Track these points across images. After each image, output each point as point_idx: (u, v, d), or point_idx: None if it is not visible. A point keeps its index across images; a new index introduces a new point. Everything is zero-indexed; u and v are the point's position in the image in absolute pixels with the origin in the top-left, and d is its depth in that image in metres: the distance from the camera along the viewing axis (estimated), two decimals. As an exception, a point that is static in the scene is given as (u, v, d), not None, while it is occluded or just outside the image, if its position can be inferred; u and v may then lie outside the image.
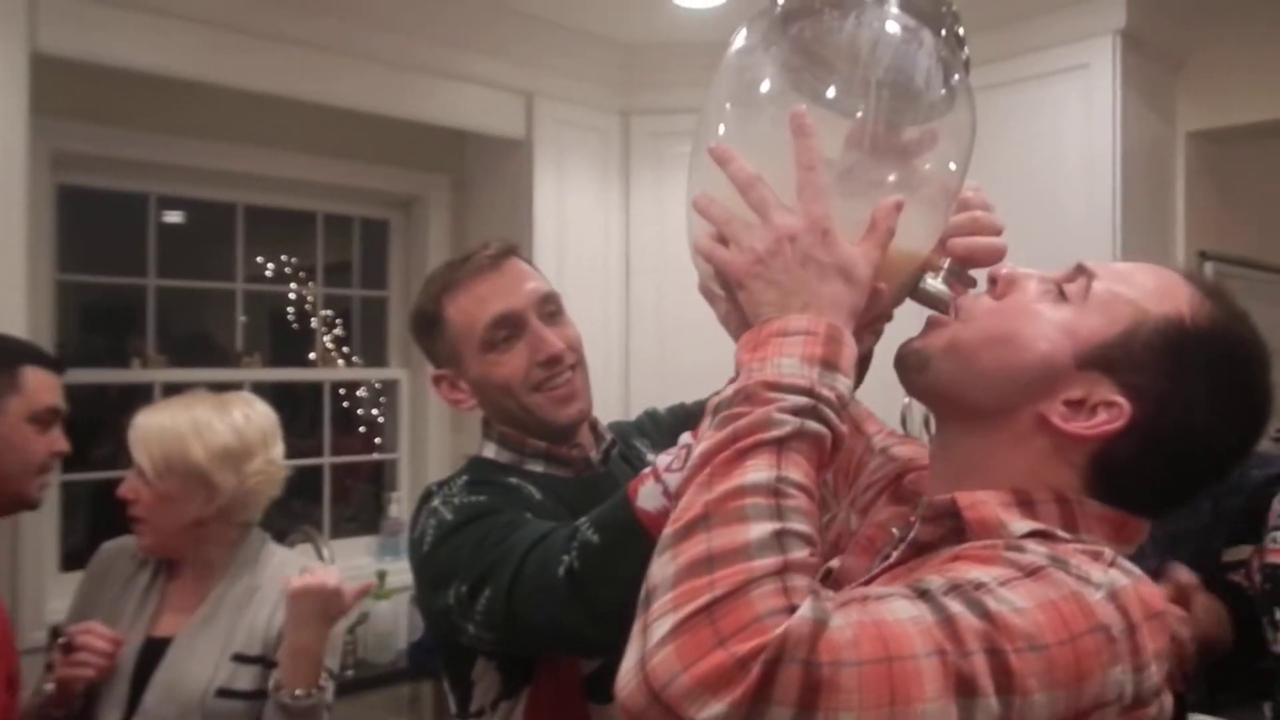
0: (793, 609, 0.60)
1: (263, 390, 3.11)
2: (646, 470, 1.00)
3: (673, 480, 0.94)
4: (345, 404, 3.60)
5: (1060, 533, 0.75)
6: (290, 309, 3.62)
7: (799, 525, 0.65)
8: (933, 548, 0.79)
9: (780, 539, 0.63)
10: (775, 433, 0.67)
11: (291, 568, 1.71)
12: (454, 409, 1.41)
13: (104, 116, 2.72)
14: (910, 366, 0.85)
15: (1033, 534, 0.74)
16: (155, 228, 2.97)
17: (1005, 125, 2.71)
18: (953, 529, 0.78)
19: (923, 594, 0.64)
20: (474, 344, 1.32)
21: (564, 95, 3.17)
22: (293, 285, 3.55)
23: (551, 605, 1.02)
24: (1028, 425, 0.79)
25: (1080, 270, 0.82)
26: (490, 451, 1.37)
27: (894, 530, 0.85)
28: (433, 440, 3.44)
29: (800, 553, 0.63)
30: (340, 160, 3.19)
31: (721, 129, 0.80)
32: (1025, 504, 0.77)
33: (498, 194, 3.30)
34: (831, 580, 0.90)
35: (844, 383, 0.72)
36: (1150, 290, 0.79)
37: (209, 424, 1.68)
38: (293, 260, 3.57)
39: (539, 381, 1.31)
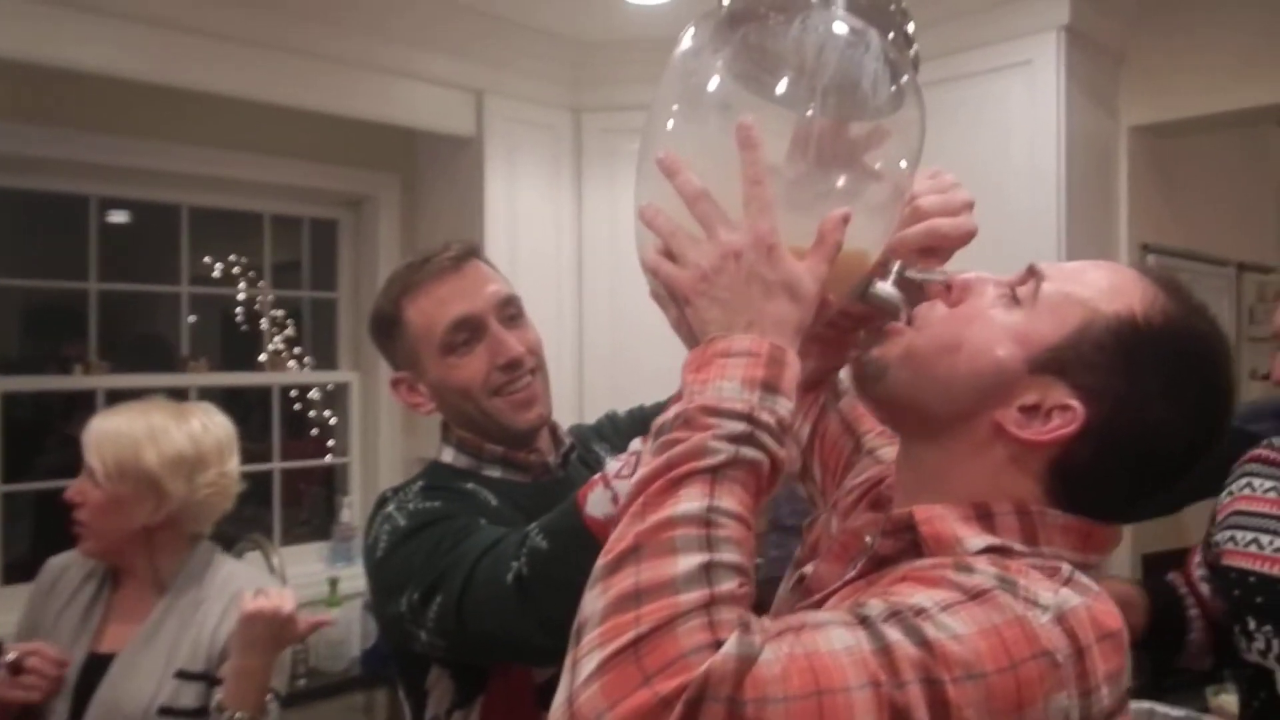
0: (718, 644, 0.59)
1: (211, 394, 3.07)
2: (596, 476, 0.99)
3: (621, 487, 0.94)
4: (296, 406, 3.55)
5: (1018, 547, 0.74)
6: (239, 310, 3.56)
7: (729, 556, 0.64)
8: (892, 561, 0.78)
9: (708, 571, 0.62)
10: (710, 461, 0.67)
11: (240, 579, 1.69)
12: (412, 412, 1.39)
13: (41, 116, 2.66)
14: (867, 376, 0.84)
15: (988, 550, 0.73)
16: (97, 230, 2.91)
17: (951, 120, 2.73)
18: (911, 543, 0.77)
19: (862, 620, 0.63)
20: (433, 347, 1.30)
21: (515, 92, 3.15)
22: (241, 286, 3.48)
23: (501, 612, 1.01)
24: (985, 434, 0.78)
25: (1030, 272, 0.81)
26: (448, 456, 1.36)
27: (867, 538, 0.84)
28: (384, 444, 3.41)
29: (728, 584, 0.62)
30: (287, 160, 3.14)
31: (669, 135, 0.79)
32: (984, 517, 0.76)
33: (449, 193, 3.27)
34: (803, 587, 0.89)
35: (785, 405, 0.72)
36: (1102, 289, 0.78)
37: (165, 430, 1.66)
38: (242, 260, 3.51)
39: (498, 385, 1.30)
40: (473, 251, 1.37)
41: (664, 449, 0.68)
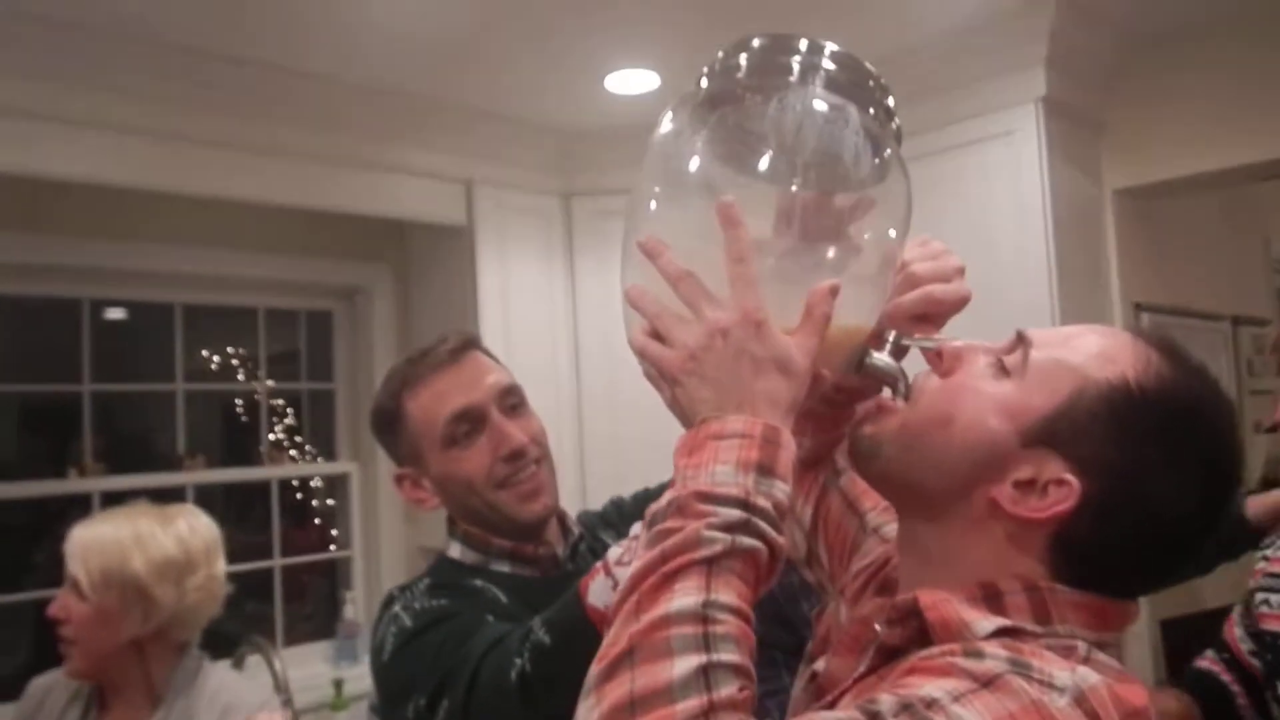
0: None
1: (210, 491, 3.05)
2: (598, 564, 0.97)
3: (622, 574, 0.91)
4: (299, 495, 3.52)
5: (1030, 627, 0.71)
6: (239, 401, 3.55)
7: (728, 655, 0.61)
8: (902, 651, 0.74)
9: (707, 675, 0.60)
10: (705, 552, 0.64)
11: (230, 691, 1.63)
12: (417, 509, 1.37)
13: (34, 225, 2.68)
14: (862, 453, 0.82)
15: (999, 632, 0.70)
16: (90, 332, 2.91)
17: (938, 192, 2.77)
18: (919, 630, 0.74)
19: (873, 716, 0.61)
20: (435, 440, 1.29)
21: (504, 181, 3.20)
22: (240, 377, 3.48)
23: (506, 711, 0.98)
24: (982, 511, 0.74)
25: (1019, 340, 0.78)
26: (455, 551, 1.33)
27: (876, 626, 0.79)
28: (386, 535, 3.37)
29: (728, 689, 0.60)
30: (279, 255, 3.17)
31: (651, 217, 0.79)
32: (992, 597, 0.72)
33: (441, 281, 3.29)
34: (815, 685, 0.85)
35: (781, 488, 0.70)
36: (1093, 354, 0.75)
37: (152, 535, 1.62)
38: (240, 351, 3.51)
39: (503, 477, 1.28)
40: (471, 342, 1.36)
41: (657, 540, 0.66)
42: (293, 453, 3.47)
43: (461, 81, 2.88)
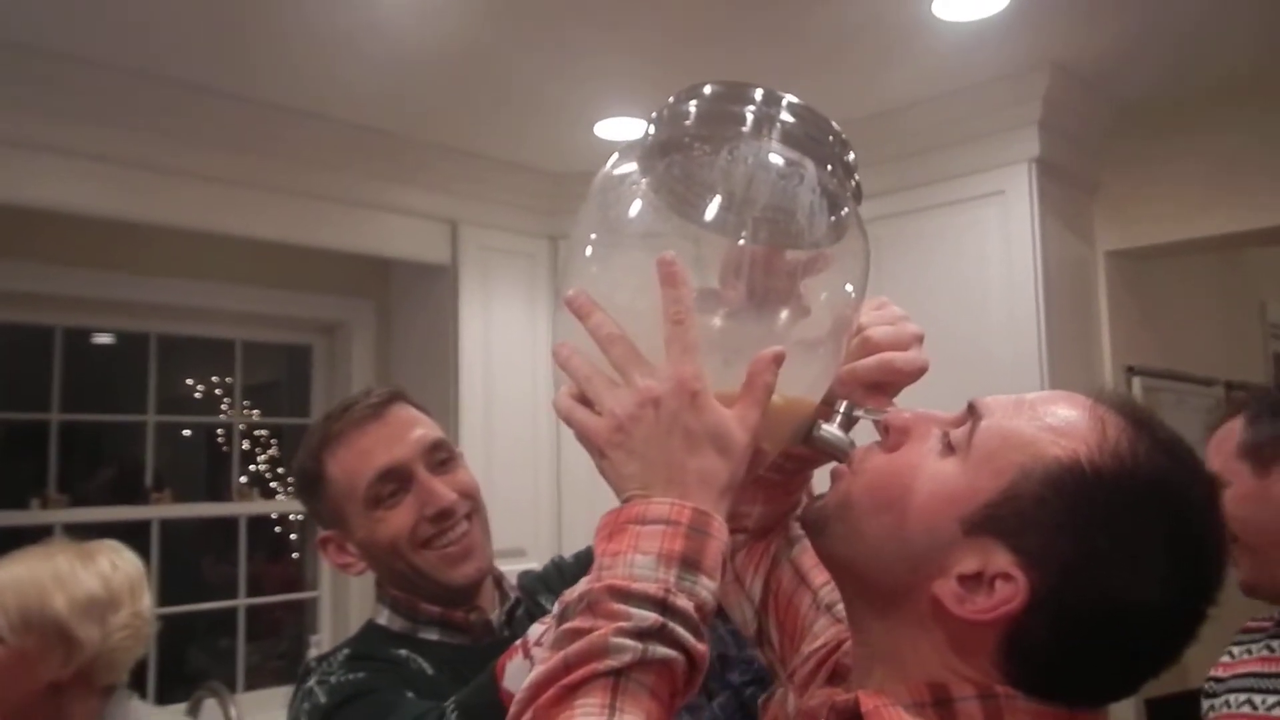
0: None
1: (185, 525, 2.98)
2: (516, 643, 0.91)
3: (542, 656, 0.85)
4: (277, 529, 3.44)
5: None
6: (220, 433, 3.49)
7: None
8: None
9: None
10: (612, 662, 0.58)
11: None
12: (344, 573, 1.29)
13: (9, 251, 2.63)
14: (809, 525, 0.75)
15: None
16: (61, 361, 2.86)
17: (927, 250, 2.75)
18: None
19: None
20: (358, 502, 1.22)
21: (489, 222, 3.16)
22: (224, 408, 3.41)
23: None
24: (926, 608, 0.66)
25: (969, 412, 0.70)
26: (383, 618, 1.26)
27: None
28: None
29: None
30: (258, 288, 3.13)
31: (586, 269, 0.73)
32: (941, 702, 0.64)
33: (423, 319, 3.25)
34: None
35: (707, 586, 0.63)
36: (1047, 427, 0.65)
37: (72, 572, 1.53)
38: (226, 380, 3.45)
39: (428, 538, 1.21)
40: (397, 395, 1.30)
41: (563, 641, 0.60)
42: (274, 484, 3.40)
43: (451, 123, 2.86)
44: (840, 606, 0.87)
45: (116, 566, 1.59)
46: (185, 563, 3.45)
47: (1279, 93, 2.61)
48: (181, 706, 2.42)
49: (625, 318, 0.69)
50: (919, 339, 0.81)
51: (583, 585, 0.63)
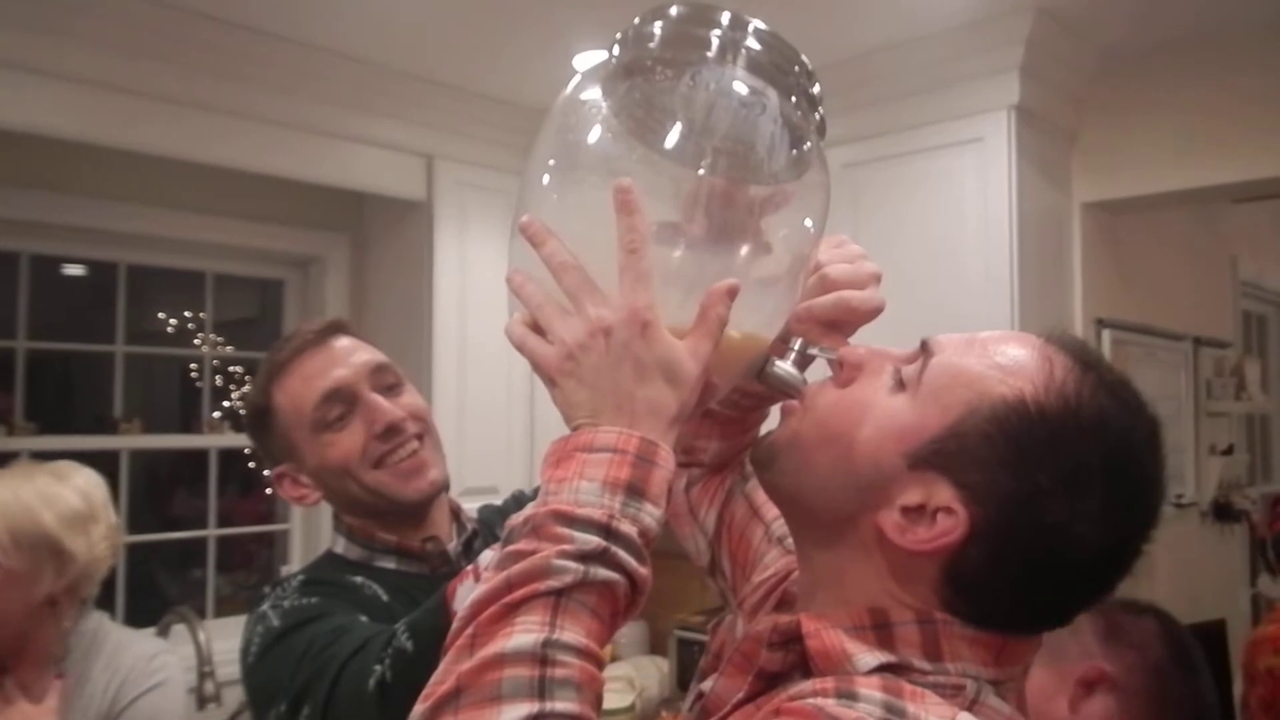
0: None
1: (156, 457, 2.96)
2: (468, 568, 0.92)
3: None
4: (251, 464, 3.43)
5: (918, 663, 0.65)
6: (194, 367, 3.47)
7: (564, 705, 0.55)
8: (783, 678, 0.69)
9: None
10: (553, 583, 0.59)
11: (127, 649, 1.62)
12: (299, 505, 1.30)
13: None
14: (759, 460, 0.76)
15: (881, 668, 0.64)
16: (27, 288, 2.82)
17: (903, 197, 2.73)
18: (801, 655, 0.68)
19: None
20: (305, 428, 1.22)
21: (466, 157, 3.12)
22: (198, 343, 3.38)
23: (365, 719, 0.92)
24: (869, 538, 0.68)
25: (922, 349, 0.71)
26: (340, 547, 1.27)
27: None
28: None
29: None
30: (232, 220, 3.08)
31: (542, 196, 0.73)
32: (881, 627, 0.66)
33: (398, 254, 3.22)
34: (701, 706, 0.78)
35: (651, 513, 0.64)
36: (996, 366, 0.67)
37: (54, 490, 1.60)
38: (200, 316, 3.43)
39: (379, 456, 1.21)
40: (337, 326, 1.30)
41: (506, 562, 0.60)
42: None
43: (427, 54, 2.80)
44: (791, 540, 0.89)
45: (90, 482, 1.66)
46: (158, 495, 3.47)
47: (1262, 46, 2.60)
48: (151, 630, 2.44)
49: (581, 246, 0.69)
50: (877, 278, 0.81)
51: (528, 510, 0.63)
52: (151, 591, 3.20)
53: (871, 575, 0.68)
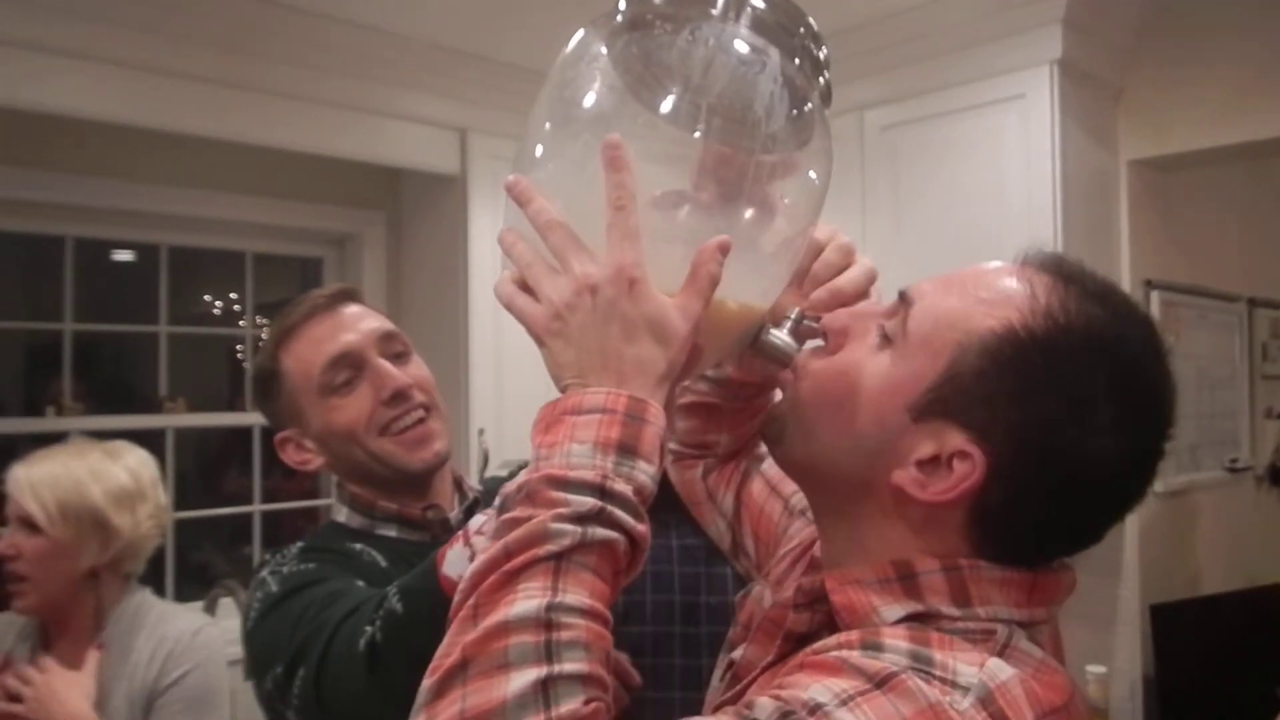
0: None
1: (204, 435, 3.00)
2: (459, 532, 0.91)
3: (480, 544, 0.86)
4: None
5: (946, 610, 0.64)
6: (240, 347, 3.52)
7: (573, 665, 0.55)
8: (813, 637, 0.68)
9: (546, 689, 0.54)
10: (552, 547, 0.58)
11: (169, 624, 1.66)
12: (301, 470, 1.30)
13: (20, 159, 2.62)
14: (769, 438, 0.75)
15: (908, 618, 0.63)
16: (73, 271, 2.87)
17: (944, 156, 2.66)
18: (828, 614, 0.68)
19: None
20: (312, 392, 1.22)
21: (498, 130, 3.10)
22: (241, 324, 3.43)
23: (353, 683, 0.93)
24: (889, 499, 0.67)
25: (901, 300, 0.70)
26: (342, 516, 1.27)
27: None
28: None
29: (570, 703, 0.54)
30: (270, 199, 3.10)
31: (538, 155, 0.71)
32: (906, 578, 0.65)
33: (433, 230, 3.22)
34: (732, 674, 0.78)
35: (645, 470, 0.63)
36: (978, 300, 0.66)
37: (104, 466, 1.67)
38: (242, 296, 3.47)
39: (386, 422, 1.21)
40: (348, 293, 1.30)
41: (503, 530, 0.60)
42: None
43: (461, 26, 2.78)
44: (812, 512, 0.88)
45: (141, 461, 1.74)
46: (210, 473, 3.55)
47: (1317, -8, 2.49)
48: (199, 604, 2.50)
49: (574, 204, 0.67)
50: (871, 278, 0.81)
51: (522, 477, 0.62)
52: (201, 567, 3.28)
53: (896, 536, 0.67)
